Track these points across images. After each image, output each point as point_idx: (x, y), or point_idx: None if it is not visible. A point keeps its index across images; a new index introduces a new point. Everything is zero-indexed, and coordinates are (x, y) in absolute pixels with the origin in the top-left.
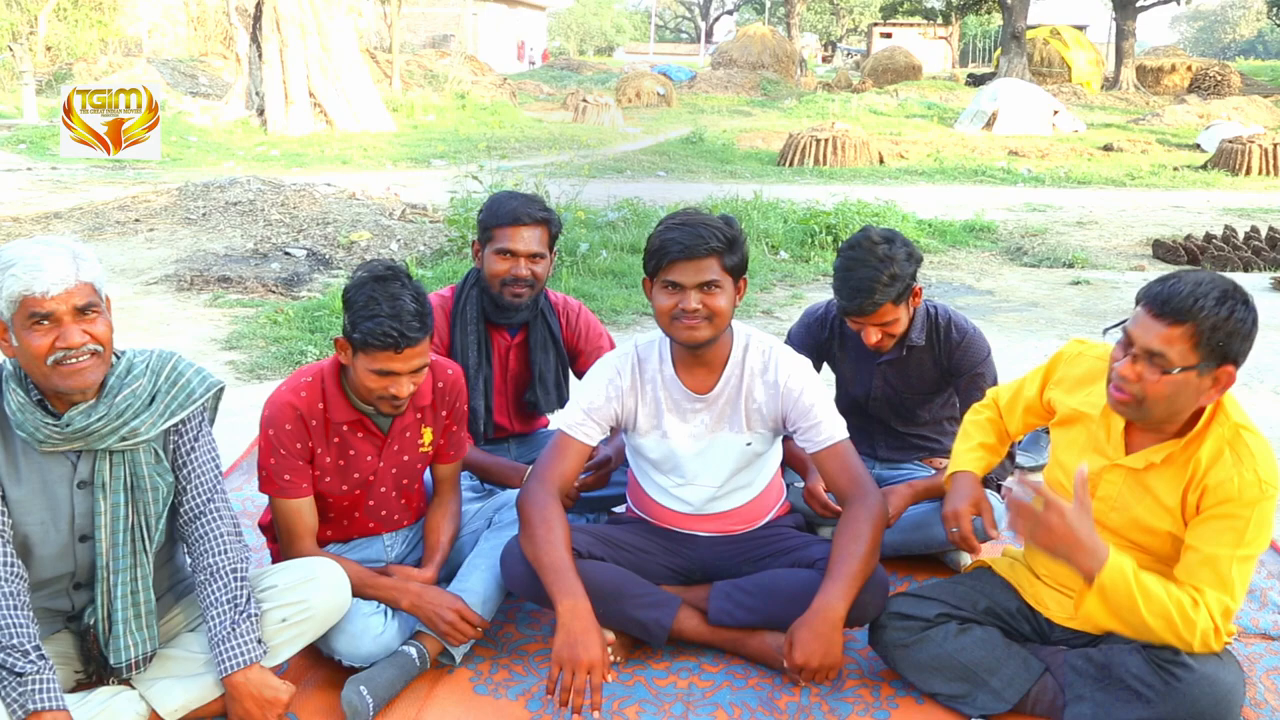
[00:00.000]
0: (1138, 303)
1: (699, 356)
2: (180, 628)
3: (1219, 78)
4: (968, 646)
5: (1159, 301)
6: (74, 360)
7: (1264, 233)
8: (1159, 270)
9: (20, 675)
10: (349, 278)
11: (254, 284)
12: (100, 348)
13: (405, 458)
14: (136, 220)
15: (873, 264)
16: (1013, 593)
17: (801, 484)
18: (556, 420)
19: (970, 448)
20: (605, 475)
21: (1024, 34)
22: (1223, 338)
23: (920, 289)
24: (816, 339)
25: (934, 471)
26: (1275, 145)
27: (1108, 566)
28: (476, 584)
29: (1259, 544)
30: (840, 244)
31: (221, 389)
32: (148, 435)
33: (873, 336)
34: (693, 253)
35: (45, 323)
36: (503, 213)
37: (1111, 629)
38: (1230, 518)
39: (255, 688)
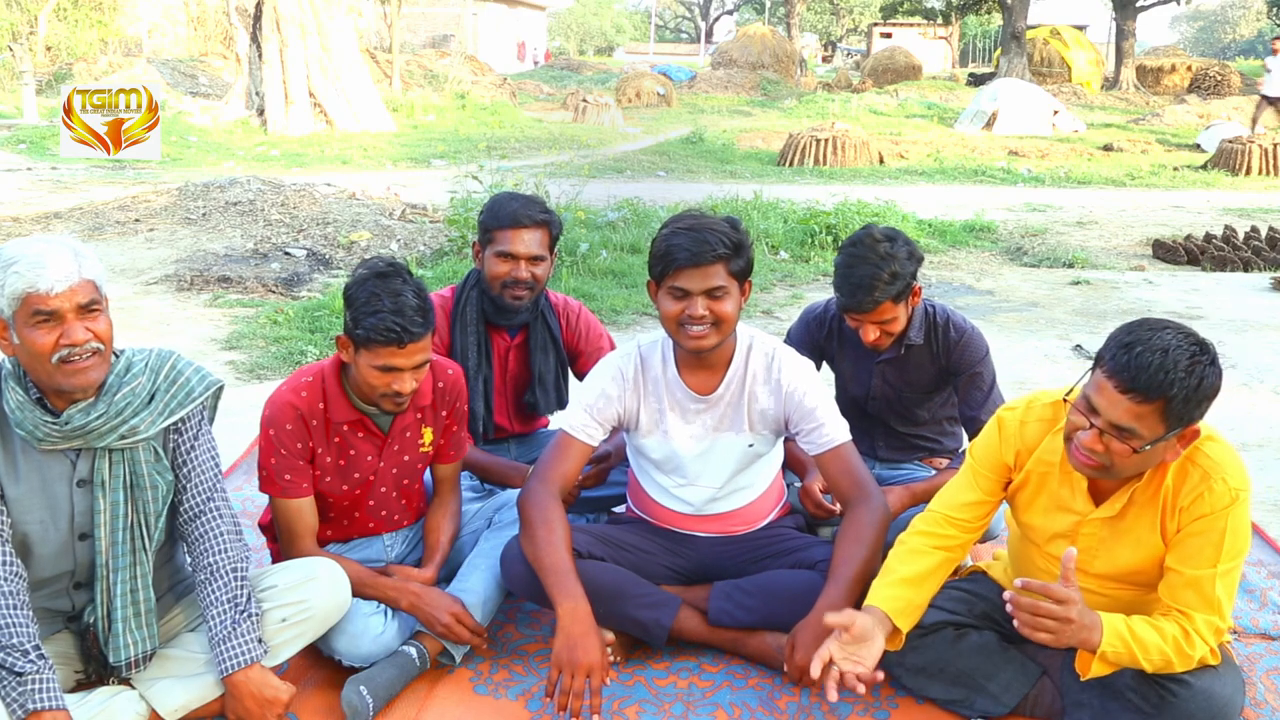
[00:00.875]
0: (1097, 365)
1: (702, 359)
2: (180, 628)
3: (1219, 78)
4: (965, 652)
5: (1126, 376)
6: (78, 359)
7: (1264, 233)
8: (1159, 270)
9: (20, 675)
10: (350, 276)
11: (254, 284)
12: (101, 346)
13: (405, 458)
14: (136, 220)
15: (874, 261)
16: None
17: (801, 484)
18: (558, 420)
19: (888, 583)
20: (605, 472)
21: (1024, 34)
22: (1193, 406)
23: (920, 288)
24: (815, 338)
25: (934, 471)
26: (1275, 145)
27: (1106, 636)
28: (476, 584)
29: (1239, 552)
30: (841, 242)
31: (221, 388)
32: (147, 434)
33: (870, 334)
34: (699, 259)
35: (49, 321)
36: (503, 215)
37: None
38: (1207, 532)
39: (256, 687)
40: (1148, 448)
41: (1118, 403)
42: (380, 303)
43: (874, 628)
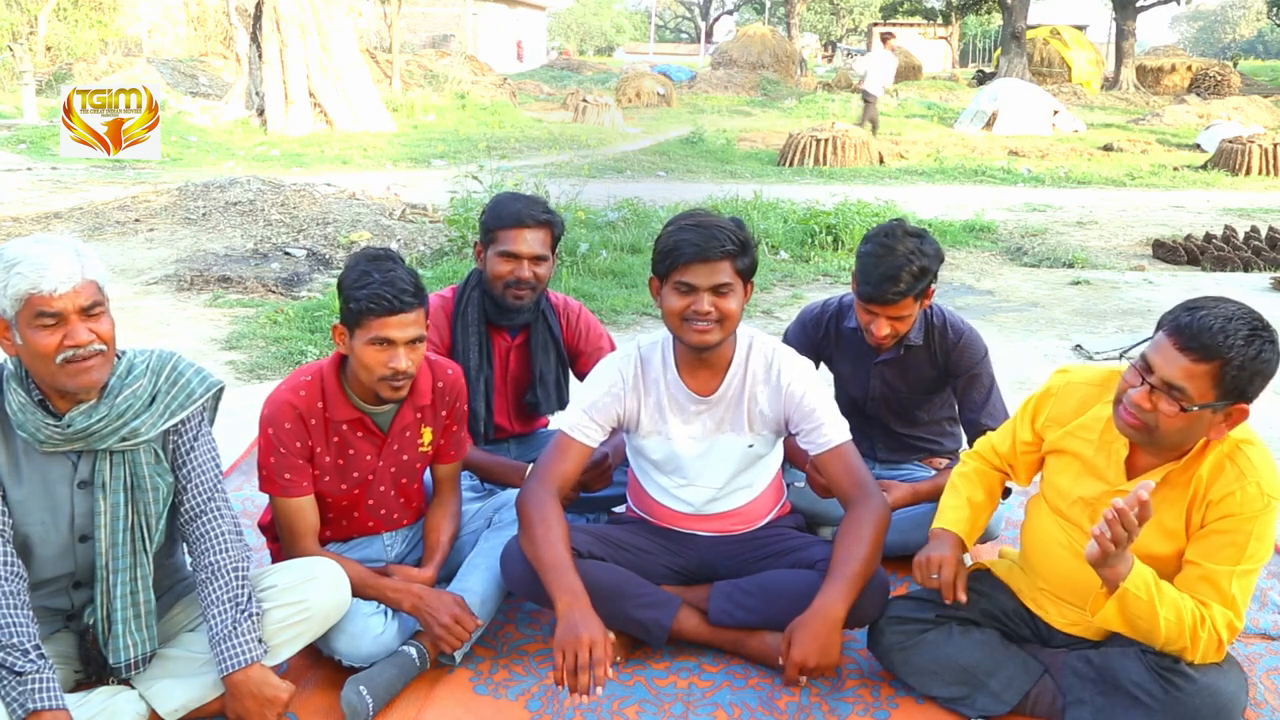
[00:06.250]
0: (1160, 328)
1: (703, 359)
2: (180, 627)
3: (1219, 78)
4: (966, 648)
5: (1187, 334)
6: (82, 360)
7: (1264, 233)
8: (1159, 270)
9: (20, 675)
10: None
11: (254, 284)
12: (105, 347)
13: (405, 457)
14: (136, 220)
15: (903, 254)
16: (1011, 595)
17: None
18: (558, 421)
19: (956, 504)
20: (606, 475)
21: (1024, 34)
22: (1246, 378)
23: (933, 290)
24: (813, 338)
25: (934, 472)
26: (1275, 145)
27: (1133, 574)
28: (476, 584)
29: (1260, 556)
30: (867, 232)
31: (221, 389)
32: (148, 435)
33: (884, 328)
34: (707, 255)
35: (52, 322)
36: (506, 215)
37: (1121, 631)
38: (1232, 532)
39: (256, 687)
40: (1194, 409)
41: (1174, 360)
42: (370, 278)
43: (957, 544)
